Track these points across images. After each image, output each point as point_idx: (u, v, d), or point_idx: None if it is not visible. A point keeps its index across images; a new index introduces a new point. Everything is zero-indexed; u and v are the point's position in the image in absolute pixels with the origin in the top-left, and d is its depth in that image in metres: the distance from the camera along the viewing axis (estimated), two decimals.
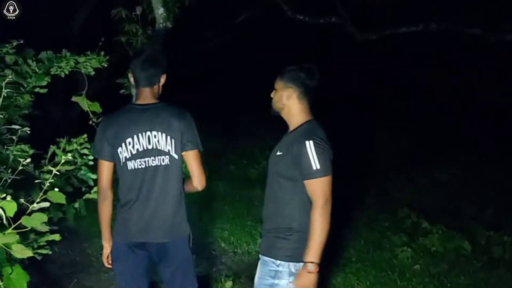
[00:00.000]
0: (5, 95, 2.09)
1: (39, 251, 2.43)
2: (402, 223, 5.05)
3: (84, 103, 2.90)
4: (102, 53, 2.91)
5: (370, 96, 9.14)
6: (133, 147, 2.17)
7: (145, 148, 2.18)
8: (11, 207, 1.45)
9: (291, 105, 2.22)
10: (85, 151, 2.88)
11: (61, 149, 2.73)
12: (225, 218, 5.22)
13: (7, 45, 2.59)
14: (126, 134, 2.18)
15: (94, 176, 2.91)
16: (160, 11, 3.94)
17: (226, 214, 5.35)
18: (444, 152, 7.45)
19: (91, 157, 2.88)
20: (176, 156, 2.22)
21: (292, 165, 2.13)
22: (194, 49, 7.95)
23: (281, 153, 2.21)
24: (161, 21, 3.96)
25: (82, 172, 2.95)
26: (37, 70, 2.79)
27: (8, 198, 1.41)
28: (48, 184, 1.70)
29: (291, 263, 2.16)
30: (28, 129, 2.36)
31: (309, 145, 2.07)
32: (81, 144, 2.87)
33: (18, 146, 2.31)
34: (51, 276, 3.82)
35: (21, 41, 2.63)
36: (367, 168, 7.09)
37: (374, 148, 7.80)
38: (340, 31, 6.87)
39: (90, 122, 2.88)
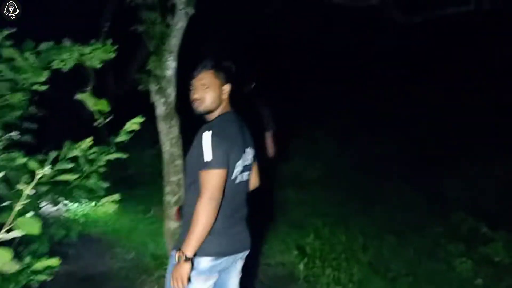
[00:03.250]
0: None
1: (36, 277, 2.05)
2: (457, 229, 4.47)
3: (90, 100, 2.49)
4: (109, 41, 2.49)
5: (413, 84, 8.45)
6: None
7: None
8: None
9: (224, 100, 2.23)
10: (93, 156, 2.48)
11: (64, 155, 2.34)
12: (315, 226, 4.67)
13: None
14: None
15: (105, 185, 2.52)
16: None
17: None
18: (500, 144, 6.67)
19: (102, 163, 2.50)
20: None
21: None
22: (222, 38, 7.51)
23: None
24: (182, 7, 3.53)
25: (91, 181, 2.56)
26: (35, 64, 2.40)
27: None
28: (20, 207, 1.29)
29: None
30: (17, 133, 1.96)
31: (206, 136, 2.03)
32: (88, 148, 2.47)
33: (6, 155, 1.92)
34: None
35: (13, 30, 2.25)
36: (414, 162, 6.48)
37: (421, 138, 7.16)
38: (381, 14, 6.24)
39: (96, 124, 2.47)
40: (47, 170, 1.40)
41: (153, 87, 3.57)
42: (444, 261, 3.90)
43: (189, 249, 1.97)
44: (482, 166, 6.10)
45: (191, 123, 2.62)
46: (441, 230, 4.51)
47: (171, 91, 3.61)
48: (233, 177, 2.11)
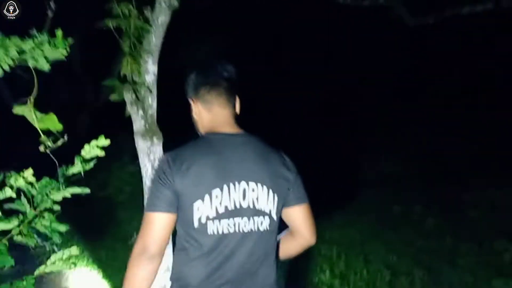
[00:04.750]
0: None
1: None
2: (499, 259, 3.78)
3: (31, 115, 1.78)
4: (59, 32, 1.77)
5: (426, 91, 7.85)
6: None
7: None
8: None
9: (203, 119, 1.69)
10: (38, 193, 1.78)
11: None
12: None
13: None
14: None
15: (63, 228, 1.82)
16: None
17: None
18: None
19: (57, 197, 1.80)
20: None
21: None
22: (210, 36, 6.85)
23: None
24: None
25: (44, 222, 1.86)
26: None
27: None
28: None
29: None
30: None
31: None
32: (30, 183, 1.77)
33: None
34: None
35: None
36: (431, 175, 5.82)
37: (439, 150, 6.52)
38: (388, 15, 5.65)
39: (41, 148, 1.76)
40: None
41: (128, 97, 2.87)
42: None
43: None
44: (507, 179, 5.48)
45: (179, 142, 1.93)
46: (475, 259, 3.82)
47: (152, 102, 2.91)
48: (196, 225, 1.51)
